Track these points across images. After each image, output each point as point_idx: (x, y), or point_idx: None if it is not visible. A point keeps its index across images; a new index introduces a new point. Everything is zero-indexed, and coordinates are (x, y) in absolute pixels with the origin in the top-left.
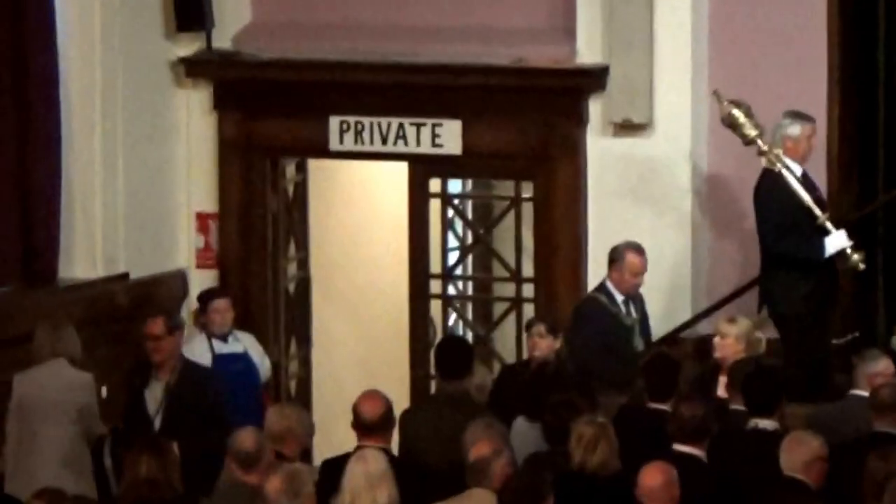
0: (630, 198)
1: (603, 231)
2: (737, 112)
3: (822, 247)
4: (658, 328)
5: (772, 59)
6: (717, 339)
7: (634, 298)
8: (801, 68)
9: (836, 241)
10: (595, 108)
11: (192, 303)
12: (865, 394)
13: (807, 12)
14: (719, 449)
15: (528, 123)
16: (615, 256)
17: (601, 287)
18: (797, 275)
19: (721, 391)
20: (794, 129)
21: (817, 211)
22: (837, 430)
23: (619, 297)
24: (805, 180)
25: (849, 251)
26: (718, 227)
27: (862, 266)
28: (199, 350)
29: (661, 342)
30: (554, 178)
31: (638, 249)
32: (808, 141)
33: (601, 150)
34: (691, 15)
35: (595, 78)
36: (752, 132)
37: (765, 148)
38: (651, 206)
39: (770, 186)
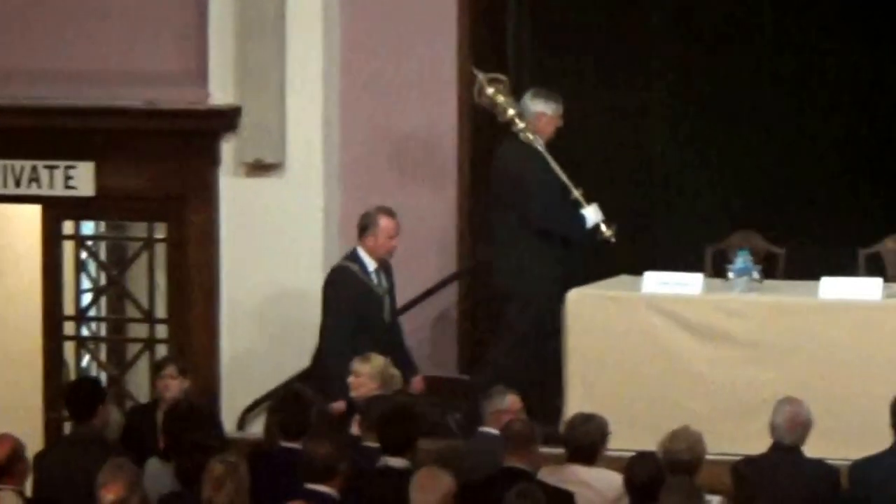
0: (263, 237)
1: (236, 271)
2: (494, 91)
3: (583, 219)
4: (290, 366)
5: (403, 101)
6: (351, 378)
7: (384, 268)
8: (433, 108)
9: (593, 215)
10: (228, 148)
11: None
12: (493, 431)
13: (437, 56)
14: (352, 487)
15: (160, 165)
16: (367, 222)
17: (352, 256)
18: (556, 254)
19: (355, 429)
20: (544, 107)
21: (571, 186)
22: (467, 467)
23: (371, 266)
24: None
25: (602, 226)
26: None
27: (614, 240)
28: None
29: (291, 381)
30: (187, 218)
31: (389, 212)
32: (557, 121)
33: (234, 190)
34: (323, 57)
35: (227, 119)
36: (510, 111)
37: (522, 125)
38: (284, 244)
39: (536, 162)
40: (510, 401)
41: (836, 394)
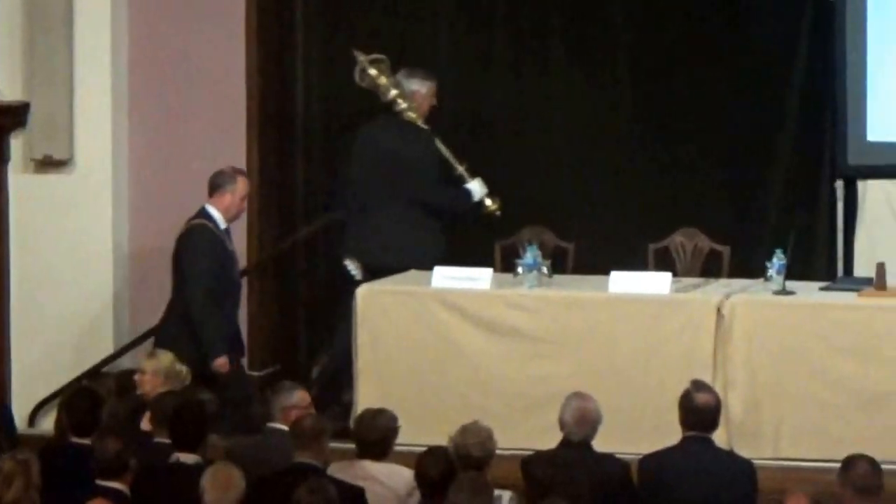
0: (53, 233)
1: (26, 266)
2: (375, 72)
3: (469, 194)
4: (81, 362)
5: (193, 100)
6: (137, 375)
7: (228, 228)
8: (222, 110)
9: (478, 189)
10: (16, 144)
11: None
12: (282, 426)
13: (226, 57)
14: (143, 483)
15: None
16: (223, 181)
17: (204, 215)
18: (439, 230)
19: (146, 425)
20: (419, 86)
21: (455, 162)
22: (257, 463)
23: (223, 226)
24: None
25: (487, 200)
26: (142, 259)
27: (499, 213)
28: None
29: (82, 377)
30: None
31: (243, 171)
32: (431, 99)
33: (23, 187)
34: (111, 53)
35: (15, 115)
36: (393, 91)
37: (405, 105)
38: (74, 239)
39: (423, 141)
40: (299, 396)
41: (626, 388)
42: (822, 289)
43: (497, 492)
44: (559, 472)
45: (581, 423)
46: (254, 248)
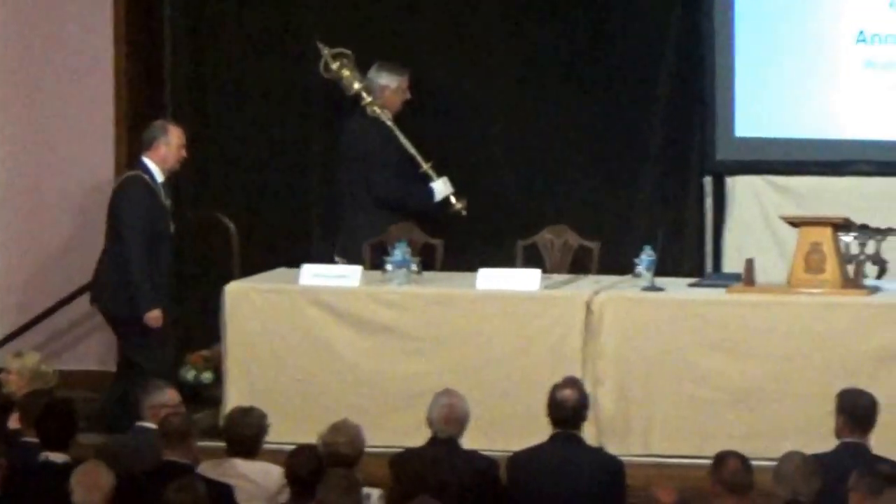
0: None
1: None
2: (339, 64)
3: (431, 193)
4: None
5: (60, 97)
6: (2, 375)
7: (167, 186)
8: (90, 107)
9: (441, 188)
10: None
11: None
12: (151, 425)
13: (93, 54)
14: (11, 482)
15: None
16: (155, 133)
17: (140, 167)
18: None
19: (14, 424)
20: (392, 81)
21: (421, 159)
22: (127, 461)
23: (160, 179)
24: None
25: (452, 199)
26: (7, 255)
27: (465, 213)
28: None
29: None
30: None
31: (174, 122)
32: (404, 93)
33: None
34: None
35: None
36: (356, 85)
37: (369, 99)
38: None
39: (381, 135)
40: (169, 395)
41: (496, 386)
42: (691, 285)
43: (366, 490)
44: (427, 470)
45: (449, 420)
46: None
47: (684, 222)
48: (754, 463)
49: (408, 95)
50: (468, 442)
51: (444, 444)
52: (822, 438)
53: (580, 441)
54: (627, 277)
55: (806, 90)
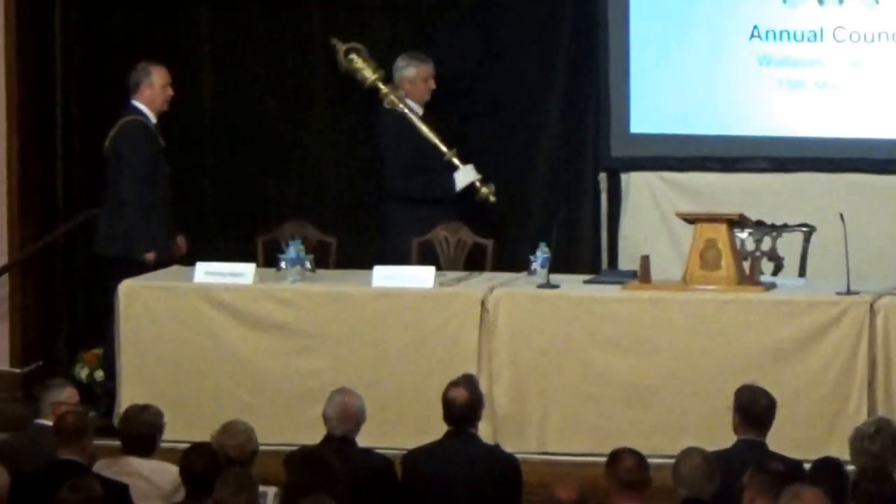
0: None
1: None
2: (354, 57)
3: (452, 182)
4: None
5: None
6: None
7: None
8: None
9: (465, 175)
10: None
11: None
12: (49, 423)
13: None
14: None
15: None
16: (138, 77)
17: (133, 110)
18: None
19: None
20: (410, 71)
21: (443, 147)
22: (24, 459)
23: (153, 120)
24: (426, 119)
25: (478, 184)
26: None
27: (493, 199)
28: None
29: None
30: None
31: (154, 63)
32: (426, 82)
33: None
34: None
35: None
36: (372, 75)
37: (385, 90)
38: None
39: (394, 127)
40: (68, 393)
41: (391, 383)
42: (586, 282)
43: (262, 488)
44: (320, 468)
45: (343, 418)
46: (15, 245)
47: (579, 219)
48: (652, 460)
49: (432, 85)
50: (364, 440)
51: (339, 442)
52: (719, 434)
53: (475, 438)
54: (523, 274)
55: (701, 86)
